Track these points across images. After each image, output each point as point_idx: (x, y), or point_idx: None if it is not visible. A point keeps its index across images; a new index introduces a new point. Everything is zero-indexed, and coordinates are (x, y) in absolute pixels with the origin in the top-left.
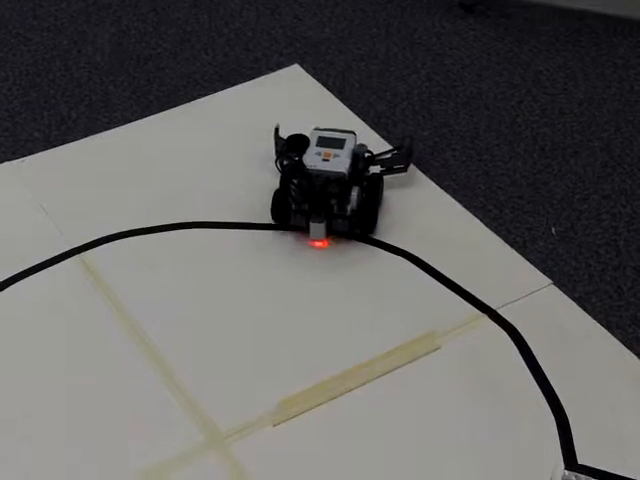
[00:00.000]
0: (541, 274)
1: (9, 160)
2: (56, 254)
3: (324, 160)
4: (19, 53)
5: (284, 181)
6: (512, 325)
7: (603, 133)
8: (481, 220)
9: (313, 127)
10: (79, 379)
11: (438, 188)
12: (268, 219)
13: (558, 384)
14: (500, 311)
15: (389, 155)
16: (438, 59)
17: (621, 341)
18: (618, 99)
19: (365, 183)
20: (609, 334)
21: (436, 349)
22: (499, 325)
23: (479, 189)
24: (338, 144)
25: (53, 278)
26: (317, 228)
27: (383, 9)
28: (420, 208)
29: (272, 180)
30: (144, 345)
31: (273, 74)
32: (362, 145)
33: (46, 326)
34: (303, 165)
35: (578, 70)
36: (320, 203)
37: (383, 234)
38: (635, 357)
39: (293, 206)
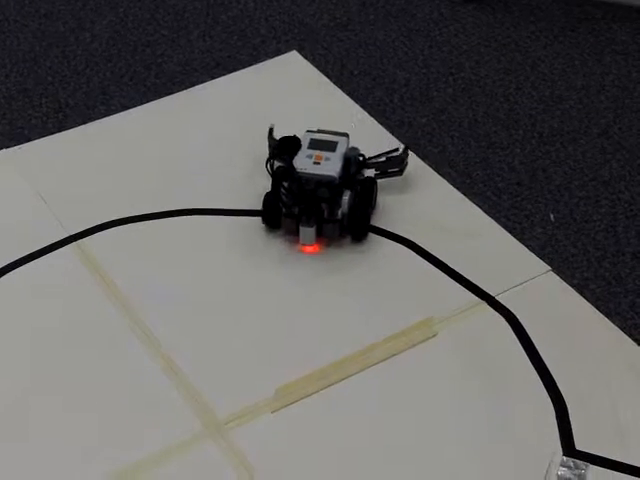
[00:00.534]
0: (540, 261)
1: (6, 147)
2: (53, 241)
3: (315, 163)
4: (16, 40)
5: (275, 184)
6: (510, 312)
7: (602, 119)
8: (479, 207)
9: (306, 129)
10: (76, 366)
11: (436, 175)
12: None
13: (556, 371)
14: (498, 298)
15: (383, 158)
16: (436, 46)
17: (620, 327)
18: (617, 85)
19: (358, 187)
20: (608, 320)
21: (434, 336)
22: (497, 312)
23: (477, 176)
24: (330, 147)
25: (50, 265)
26: (307, 233)
27: None
28: (418, 195)
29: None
30: (142, 332)
31: (271, 61)
32: (354, 148)
33: (43, 313)
34: (293, 168)
35: (576, 57)
36: (310, 207)
37: (381, 221)
38: (633, 343)
39: (283, 210)
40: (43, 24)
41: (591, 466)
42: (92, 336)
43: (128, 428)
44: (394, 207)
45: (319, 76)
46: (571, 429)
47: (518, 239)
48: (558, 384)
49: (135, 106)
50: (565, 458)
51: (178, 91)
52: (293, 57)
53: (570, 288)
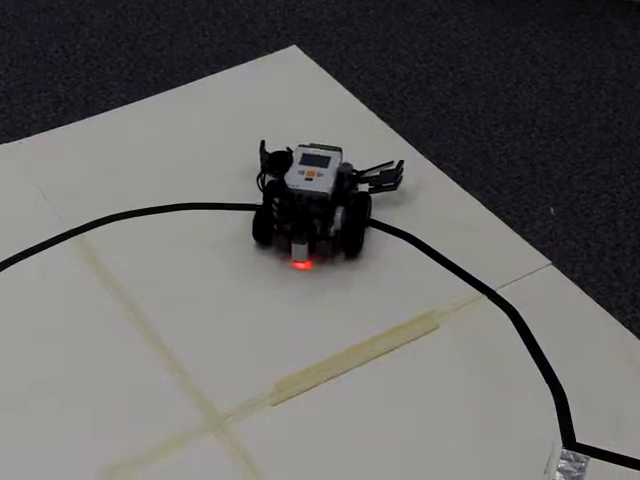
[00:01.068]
0: (540, 254)
1: (6, 142)
2: (54, 235)
3: (307, 179)
4: (16, 35)
5: (266, 200)
6: (511, 305)
7: (601, 113)
8: (480, 201)
9: (298, 144)
10: (77, 360)
11: (436, 169)
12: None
13: (557, 364)
14: (499, 291)
15: (377, 173)
16: (436, 40)
17: (620, 321)
18: (616, 79)
19: (352, 201)
20: (608, 314)
21: (435, 329)
22: (498, 305)
23: (477, 170)
24: (322, 162)
25: (51, 259)
26: (299, 249)
27: None
28: (419, 189)
29: None
30: (142, 326)
31: (271, 55)
32: (347, 164)
33: (44, 307)
34: (285, 184)
35: (576, 51)
36: (302, 224)
37: (382, 215)
38: (634, 337)
39: (275, 226)
40: (42, 19)
41: (591, 459)
42: (92, 330)
43: (129, 422)
44: (394, 201)
45: (319, 71)
46: (571, 422)
47: (518, 233)
48: (558, 377)
49: (135, 101)
50: (565, 451)
51: (178, 86)
52: (293, 52)
53: (570, 282)
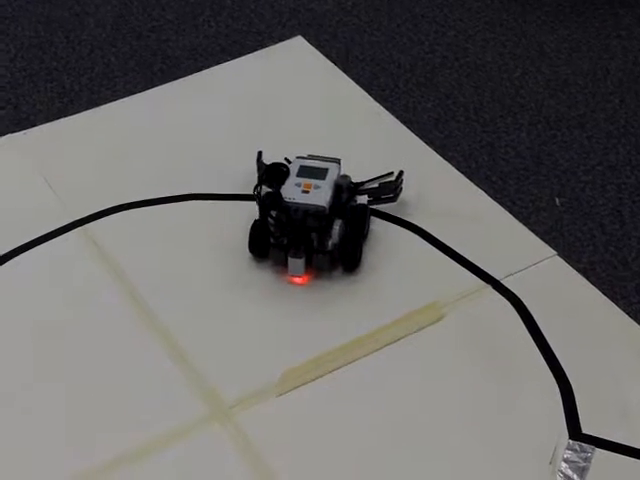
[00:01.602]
0: (545, 245)
1: (11, 132)
2: (59, 226)
3: (304, 192)
4: (20, 25)
5: (262, 212)
6: (516, 296)
7: (608, 104)
8: (485, 191)
9: (296, 156)
10: (81, 350)
11: (442, 159)
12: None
13: (562, 354)
14: (504, 282)
15: (376, 184)
16: (441, 30)
17: (625, 311)
18: (622, 70)
19: (350, 214)
20: (613, 304)
21: (440, 319)
22: (503, 296)
23: (483, 160)
24: (320, 174)
25: (56, 250)
26: (296, 264)
27: None
28: (424, 180)
29: (275, 152)
30: (147, 316)
31: (276, 46)
32: (345, 176)
33: (48, 298)
34: (281, 197)
35: (583, 41)
36: (299, 238)
37: (386, 205)
38: (639, 327)
39: (271, 239)
40: (47, 9)
41: (597, 449)
42: (96, 321)
43: (134, 412)
44: (399, 192)
45: (324, 61)
46: (577, 412)
47: (524, 223)
48: (564, 368)
49: (140, 91)
50: (571, 441)
51: (183, 76)
52: (298, 42)
53: (576, 272)
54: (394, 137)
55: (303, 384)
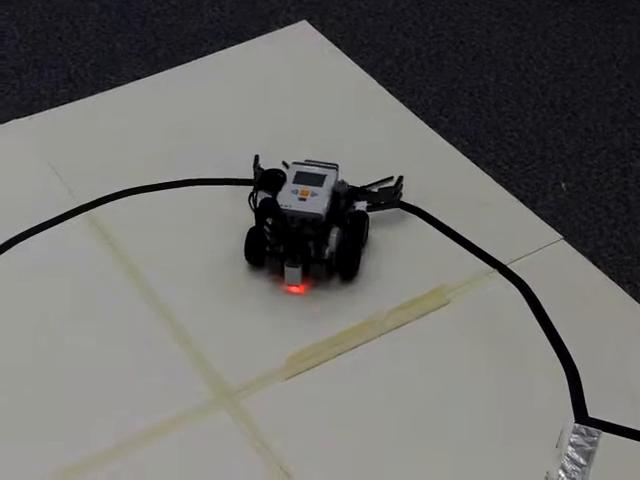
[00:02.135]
0: (551, 229)
1: (16, 118)
2: (64, 211)
3: (300, 199)
4: (25, 11)
5: (258, 220)
6: (522, 280)
7: (613, 88)
8: (491, 176)
9: (292, 161)
10: (87, 335)
11: (447, 144)
12: None
13: (568, 338)
14: (510, 266)
15: (375, 189)
16: (446, 15)
17: (631, 295)
18: (628, 54)
19: (348, 221)
20: (619, 288)
21: (446, 304)
22: (509, 280)
23: (488, 145)
24: (317, 181)
25: (61, 235)
26: (292, 273)
27: None
28: (429, 164)
29: (279, 137)
30: (154, 302)
31: (281, 30)
32: (343, 183)
33: (54, 283)
34: (277, 205)
35: (587, 25)
36: (296, 246)
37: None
38: None
39: (267, 247)
40: None
41: (604, 433)
42: (103, 305)
43: (140, 397)
44: (405, 177)
45: (329, 46)
46: (583, 396)
47: (530, 208)
48: (570, 352)
49: (145, 76)
50: (577, 425)
51: (188, 61)
52: (303, 27)
53: (582, 256)
54: (399, 121)
55: (308, 369)
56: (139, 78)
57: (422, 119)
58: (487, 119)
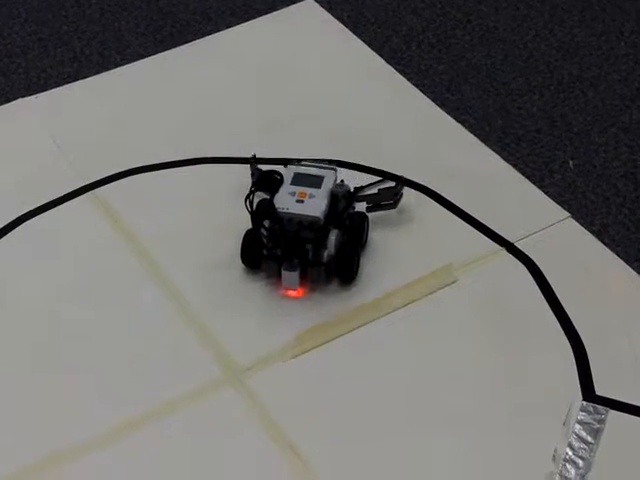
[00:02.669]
0: (559, 207)
1: (22, 97)
2: (70, 190)
3: (298, 201)
4: None
5: (255, 222)
6: (530, 258)
7: (621, 66)
8: (498, 154)
9: (291, 163)
10: (93, 313)
11: (454, 122)
12: (279, 154)
13: (576, 316)
14: (518, 244)
15: (375, 190)
16: None
17: (639, 273)
18: (636, 32)
19: (347, 222)
20: (627, 266)
21: (454, 282)
22: (517, 258)
23: (496, 123)
24: (315, 182)
25: (67, 214)
26: (290, 277)
27: None
28: (437, 142)
29: (285, 114)
30: (160, 281)
31: (287, 9)
32: (342, 185)
33: (59, 262)
34: (274, 207)
35: (595, 2)
36: (293, 249)
37: (400, 168)
38: None
39: (264, 251)
40: None
41: (611, 411)
42: (109, 283)
43: (148, 375)
44: (413, 155)
45: (336, 24)
46: (591, 374)
47: (537, 186)
48: (577, 329)
49: (150, 55)
50: (585, 403)
51: (193, 40)
52: (309, 5)
53: (589, 234)
54: (406, 100)
55: (316, 347)
56: (145, 57)
57: (429, 97)
58: (495, 97)
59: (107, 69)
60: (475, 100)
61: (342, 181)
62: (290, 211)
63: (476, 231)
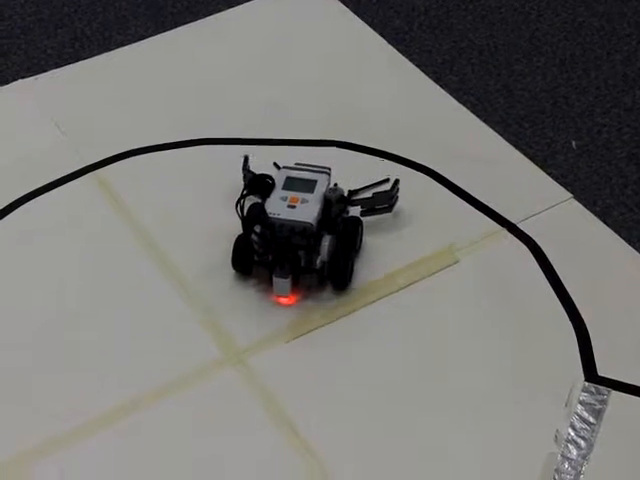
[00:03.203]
0: (562, 188)
1: (22, 78)
2: (71, 171)
3: (290, 207)
4: None
5: (246, 227)
6: (532, 239)
7: (625, 46)
8: (501, 135)
9: (282, 165)
10: (95, 295)
11: (457, 103)
12: (282, 134)
13: (578, 297)
14: (520, 225)
15: (369, 194)
16: None
17: None
18: (639, 12)
19: (341, 227)
20: (630, 247)
21: (456, 263)
22: (519, 239)
23: (498, 104)
24: (308, 187)
25: (68, 195)
26: (281, 284)
27: None
28: (439, 123)
29: (286, 95)
30: (162, 262)
31: None
32: (335, 189)
33: (60, 244)
34: (265, 213)
35: None
36: (284, 256)
37: (402, 149)
38: None
39: (255, 257)
40: None
41: (613, 391)
42: (111, 264)
43: (148, 356)
44: (414, 135)
45: (337, 4)
46: (593, 355)
47: (540, 167)
48: (580, 310)
49: (152, 35)
50: (587, 384)
51: (195, 20)
52: None
53: (592, 215)
54: (408, 80)
55: (317, 328)
56: (145, 37)
57: (431, 78)
58: (497, 78)
59: (108, 50)
60: (477, 80)
61: (335, 185)
62: (281, 217)
63: (478, 212)
